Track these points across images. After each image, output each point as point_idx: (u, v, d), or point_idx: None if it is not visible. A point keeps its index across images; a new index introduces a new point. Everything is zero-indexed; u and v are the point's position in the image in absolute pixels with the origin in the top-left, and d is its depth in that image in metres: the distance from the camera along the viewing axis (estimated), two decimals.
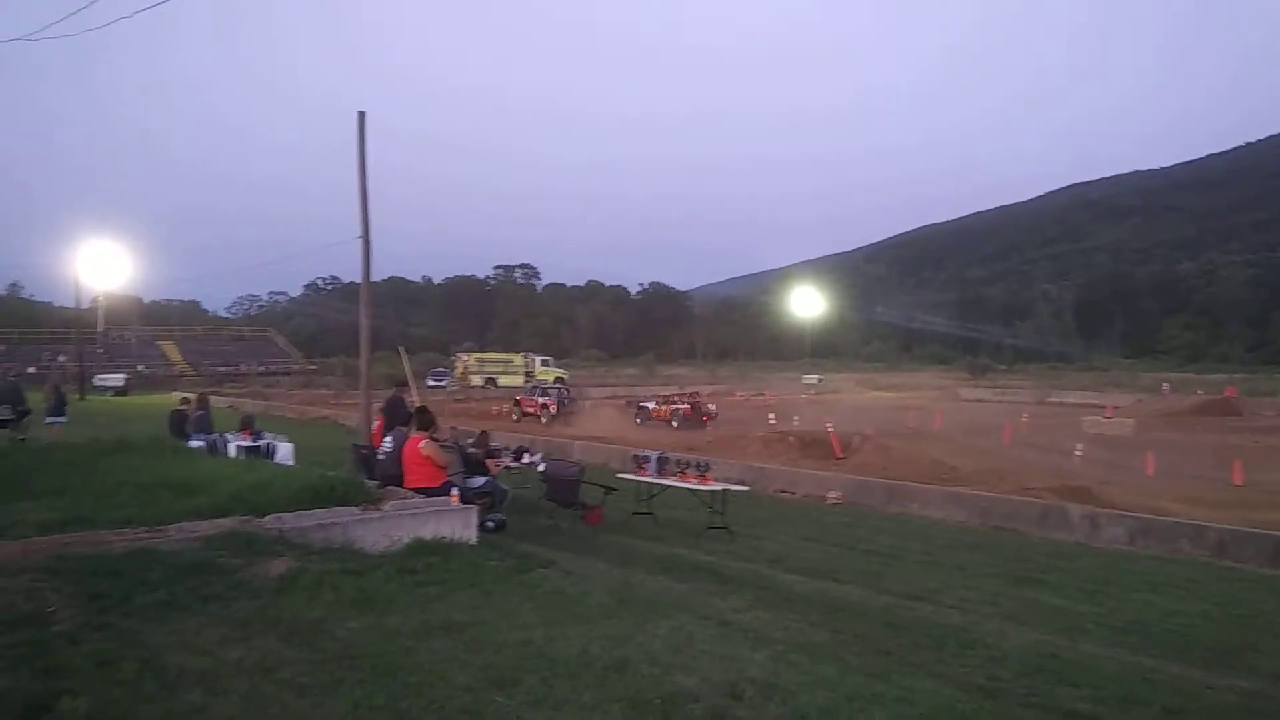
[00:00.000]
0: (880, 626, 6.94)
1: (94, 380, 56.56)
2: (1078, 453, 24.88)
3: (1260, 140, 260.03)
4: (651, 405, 40.88)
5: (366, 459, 12.80)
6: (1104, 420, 36.47)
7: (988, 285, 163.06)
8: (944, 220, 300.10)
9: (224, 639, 5.07)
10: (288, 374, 75.72)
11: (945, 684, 5.44)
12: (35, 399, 21.97)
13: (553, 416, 39.98)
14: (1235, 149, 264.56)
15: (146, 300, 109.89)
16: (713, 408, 40.22)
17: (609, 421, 38.22)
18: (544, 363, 73.78)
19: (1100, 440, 29.68)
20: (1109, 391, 59.80)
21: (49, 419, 21.49)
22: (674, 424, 37.30)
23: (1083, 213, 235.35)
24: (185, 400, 18.55)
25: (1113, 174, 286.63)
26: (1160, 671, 6.46)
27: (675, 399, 41.75)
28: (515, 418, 40.56)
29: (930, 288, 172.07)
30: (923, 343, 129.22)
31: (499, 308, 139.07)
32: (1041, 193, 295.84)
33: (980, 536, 13.91)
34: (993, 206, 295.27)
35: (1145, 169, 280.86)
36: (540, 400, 41.93)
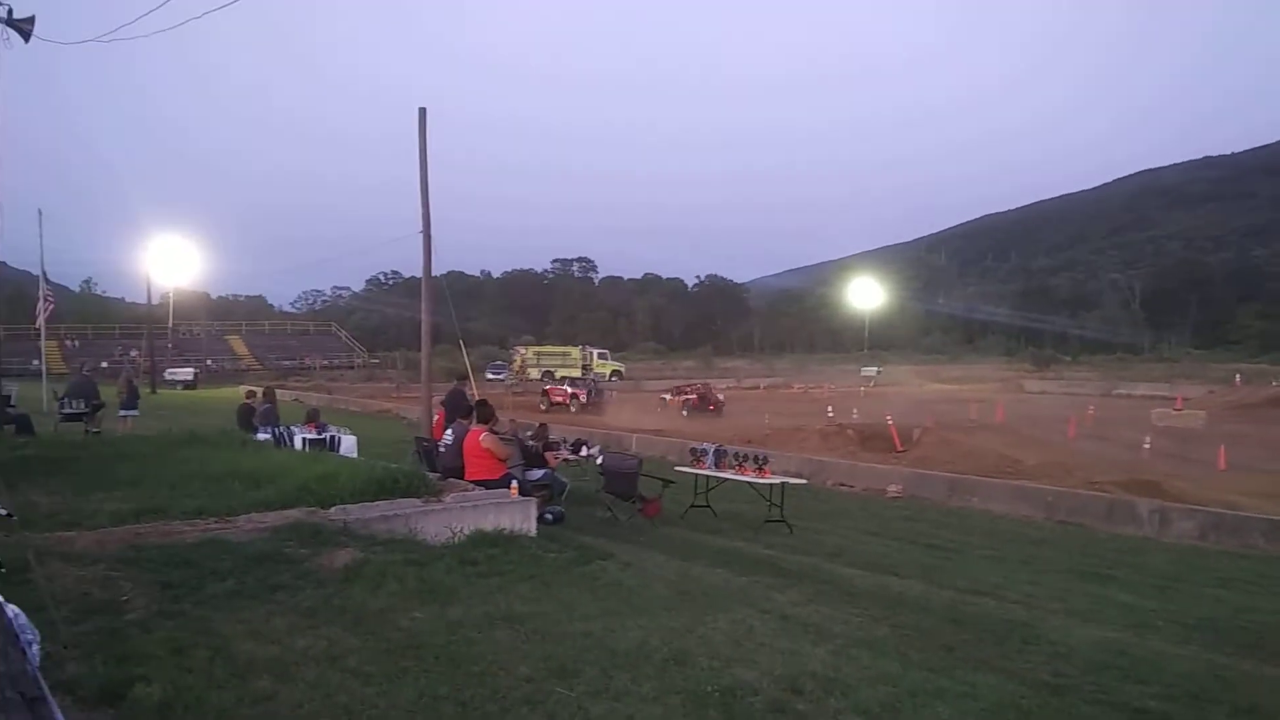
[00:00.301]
0: (942, 621, 6.86)
1: (164, 374, 58.07)
2: (1146, 446, 24.28)
3: None
4: (667, 396, 42.93)
5: (428, 451, 13.00)
6: (1174, 412, 35.57)
7: (1052, 275, 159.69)
8: (1007, 209, 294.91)
9: (292, 628, 5.18)
10: (351, 368, 76.96)
11: (1009, 680, 5.36)
12: (108, 393, 22.58)
13: (582, 405, 41.54)
14: None
15: (214, 296, 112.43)
16: (721, 397, 41.71)
17: (633, 411, 39.27)
18: (601, 356, 74.02)
19: (1170, 433, 28.97)
20: (1179, 383, 58.31)
21: (122, 412, 22.08)
22: (684, 412, 38.84)
23: (1152, 200, 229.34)
24: (252, 394, 18.93)
25: (1184, 160, 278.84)
26: (1232, 669, 6.30)
27: (685, 389, 43.73)
28: (543, 407, 41.79)
29: (993, 278, 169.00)
30: (985, 334, 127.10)
31: (556, 301, 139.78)
32: (1108, 180, 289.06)
33: (1045, 531, 13.67)
34: (1057, 195, 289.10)
35: (1217, 154, 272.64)
36: (569, 390, 43.80)
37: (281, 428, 15.60)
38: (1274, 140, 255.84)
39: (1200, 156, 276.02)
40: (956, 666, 5.51)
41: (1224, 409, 40.11)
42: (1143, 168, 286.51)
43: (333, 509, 7.93)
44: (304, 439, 14.79)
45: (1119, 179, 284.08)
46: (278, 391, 21.59)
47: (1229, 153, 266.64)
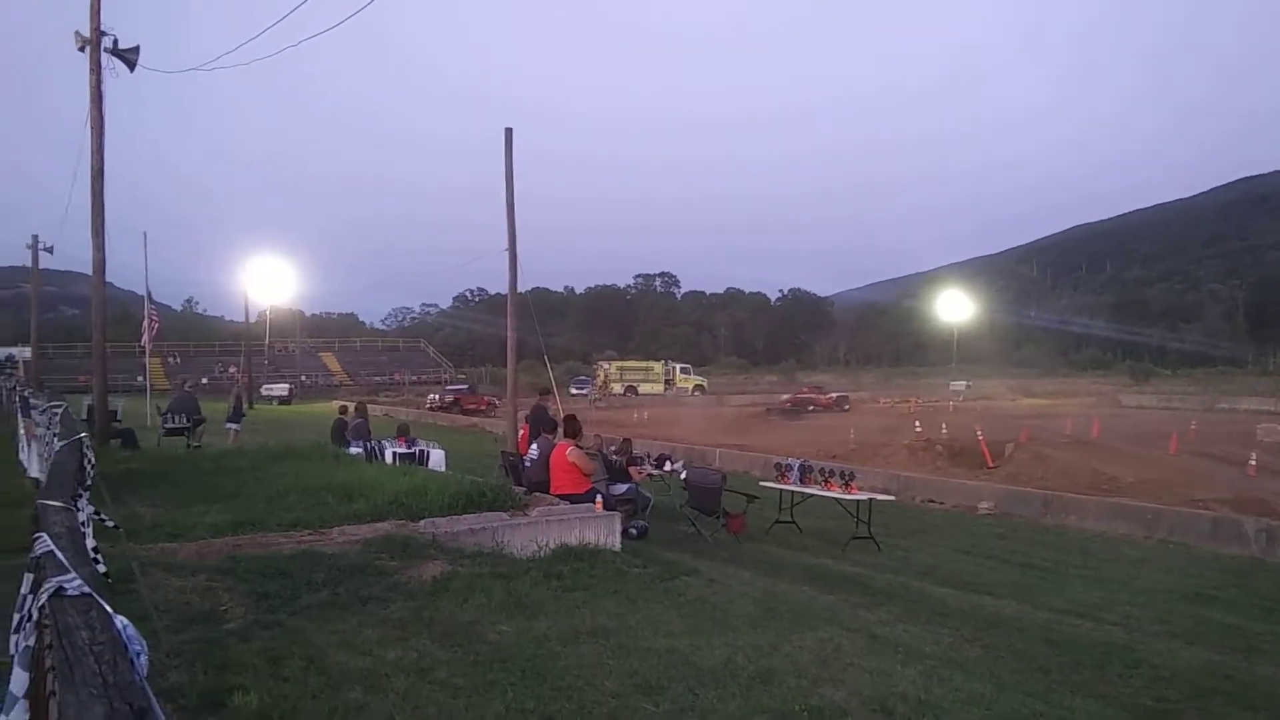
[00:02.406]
0: (1038, 643, 6.66)
1: (260, 390, 59.86)
2: (1252, 462, 23.28)
3: None
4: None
5: (514, 465, 13.14)
6: None
7: (1149, 286, 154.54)
8: (1099, 219, 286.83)
9: (383, 639, 5.28)
10: (439, 383, 78.33)
11: (1109, 705, 5.19)
12: (216, 408, 23.46)
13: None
14: None
15: (308, 314, 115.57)
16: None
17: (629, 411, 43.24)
18: (683, 370, 74.04)
19: (1277, 449, 27.71)
20: None
21: (228, 424, 23.04)
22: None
23: (1252, 208, 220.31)
24: (344, 409, 19.39)
25: None
26: None
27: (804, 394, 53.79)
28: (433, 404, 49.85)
29: (1087, 290, 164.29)
30: (1079, 347, 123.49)
31: (639, 316, 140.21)
32: (1206, 189, 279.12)
33: (1145, 550, 13.20)
34: (1151, 204, 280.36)
35: None
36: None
37: (373, 442, 15.94)
38: None
39: None
40: (1053, 690, 5.35)
41: None
42: (1241, 175, 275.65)
43: (422, 522, 8.06)
44: (394, 453, 15.09)
45: (1215, 187, 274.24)
46: (369, 406, 22.09)
47: None
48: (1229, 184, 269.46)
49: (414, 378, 79.97)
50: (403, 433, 16.44)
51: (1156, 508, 15.19)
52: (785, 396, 58.29)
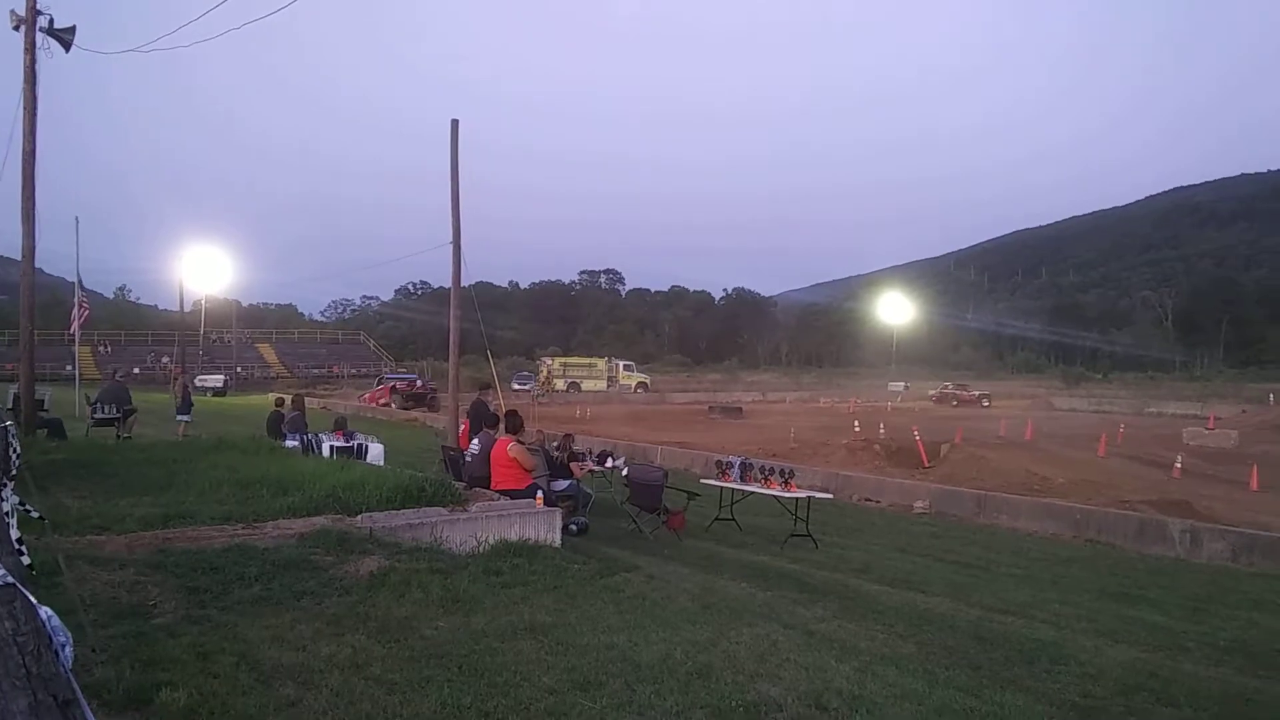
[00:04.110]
0: (970, 640, 6.78)
1: (195, 381, 58.66)
2: (1177, 465, 23.99)
3: None
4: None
5: (454, 460, 13.03)
6: (1205, 432, 35.15)
7: (1083, 292, 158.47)
8: (1038, 225, 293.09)
9: (317, 635, 5.20)
10: (378, 377, 77.45)
11: (1037, 700, 5.29)
12: (148, 399, 22.94)
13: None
14: None
15: (245, 304, 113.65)
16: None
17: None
18: (626, 367, 74.14)
19: (1202, 452, 28.64)
20: (1211, 402, 57.58)
21: (179, 416, 22.68)
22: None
23: (1185, 218, 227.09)
24: (281, 401, 19.10)
25: (1217, 178, 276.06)
26: (1265, 693, 6.20)
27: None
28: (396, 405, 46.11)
29: (1024, 294, 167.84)
30: (1015, 350, 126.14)
31: (583, 312, 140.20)
32: (1141, 197, 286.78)
33: (1074, 550, 13.51)
34: (1088, 211, 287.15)
35: (1251, 172, 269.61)
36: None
37: (310, 435, 15.71)
38: None
39: (1236, 174, 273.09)
40: (984, 686, 5.44)
41: (1257, 429, 39.56)
42: (1175, 185, 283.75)
43: (359, 516, 7.97)
44: (331, 446, 14.89)
45: (1151, 196, 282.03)
46: (306, 399, 21.76)
47: (1263, 170, 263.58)
48: (1163, 194, 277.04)
49: (353, 370, 79.02)
50: (340, 426, 16.22)
51: (1085, 508, 15.56)
52: (933, 391, 68.46)
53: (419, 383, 51.62)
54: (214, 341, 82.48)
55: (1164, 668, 6.61)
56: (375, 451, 15.31)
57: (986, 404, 62.14)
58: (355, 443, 15.34)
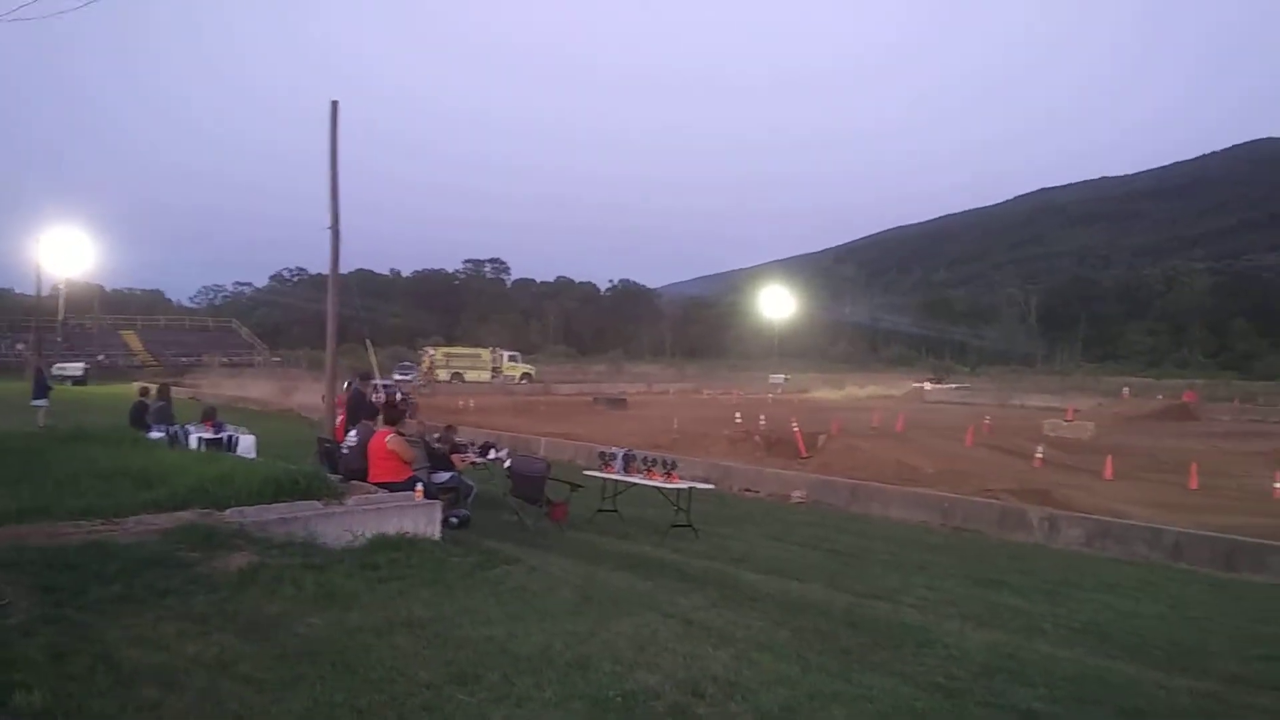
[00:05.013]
0: (841, 625, 6.98)
1: (53, 369, 55.68)
2: (1038, 455, 25.13)
3: (1224, 150, 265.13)
4: None
5: (330, 452, 12.70)
6: (1064, 423, 36.82)
7: (954, 288, 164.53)
8: (914, 222, 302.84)
9: (181, 634, 5.02)
10: (251, 365, 74.89)
11: (904, 682, 5.48)
12: (4, 388, 21.72)
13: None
14: (1200, 157, 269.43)
15: (109, 288, 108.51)
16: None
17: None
18: (511, 358, 73.67)
19: (1060, 443, 29.98)
20: (1070, 395, 60.39)
21: (35, 401, 21.41)
22: None
23: (1050, 218, 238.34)
24: (145, 390, 18.31)
25: (1080, 180, 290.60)
26: (1116, 672, 6.55)
27: None
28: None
29: (898, 289, 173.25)
30: (889, 344, 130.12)
31: (467, 301, 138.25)
32: (1010, 197, 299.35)
33: (941, 537, 14.02)
34: (961, 210, 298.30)
35: (1112, 175, 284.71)
36: None
37: (176, 426, 15.11)
38: (1163, 164, 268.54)
39: (1098, 176, 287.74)
40: (853, 670, 5.61)
41: (1112, 420, 41.90)
42: (1041, 186, 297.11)
43: (228, 511, 7.70)
44: (199, 438, 14.35)
45: (1019, 196, 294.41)
46: (173, 389, 20.90)
47: (1123, 174, 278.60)
48: (1030, 194, 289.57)
49: (224, 359, 76.23)
50: (209, 416, 15.63)
51: (952, 497, 16.14)
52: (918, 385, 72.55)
53: (398, 395, 44.05)
54: (74, 328, 78.44)
55: (1022, 649, 6.92)
56: (246, 443, 14.81)
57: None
58: (225, 435, 14.82)
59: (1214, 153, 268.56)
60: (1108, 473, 22.47)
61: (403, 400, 42.50)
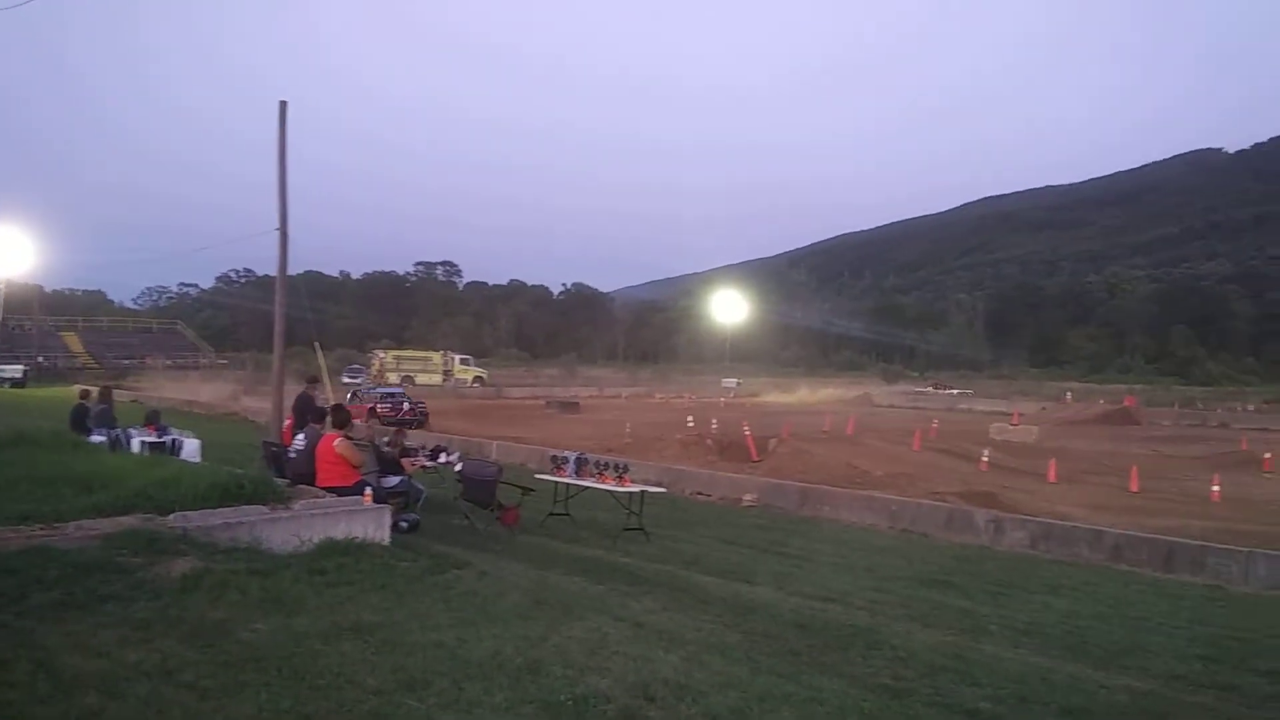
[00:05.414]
0: (791, 628, 7.03)
1: None
2: (984, 459, 25.52)
3: (1165, 159, 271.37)
4: None
5: (277, 456, 12.53)
6: (1010, 427, 37.46)
7: (904, 293, 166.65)
8: (865, 228, 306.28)
9: (123, 640, 4.92)
10: (196, 368, 73.57)
11: (852, 684, 5.54)
12: None
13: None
14: (1142, 166, 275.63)
15: (48, 289, 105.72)
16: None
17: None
18: (463, 361, 73.19)
19: (1006, 447, 30.46)
20: (1015, 399, 61.43)
21: None
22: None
23: (997, 225, 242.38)
24: (86, 393, 17.91)
25: (1026, 188, 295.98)
26: (1058, 672, 6.67)
27: None
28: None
29: (848, 294, 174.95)
30: (840, 348, 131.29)
31: (419, 304, 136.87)
32: (958, 204, 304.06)
33: (890, 540, 14.19)
34: (911, 216, 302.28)
35: (1057, 184, 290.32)
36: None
37: (118, 430, 14.80)
38: (1107, 173, 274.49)
39: (1043, 185, 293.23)
40: (803, 671, 5.66)
41: (1055, 425, 42.68)
42: (989, 194, 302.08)
43: (171, 516, 7.56)
44: (142, 442, 14.07)
45: (967, 203, 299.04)
46: (115, 392, 20.48)
47: (1068, 183, 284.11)
48: (977, 201, 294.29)
49: (168, 361, 74.78)
50: (152, 420, 15.34)
51: (900, 500, 16.35)
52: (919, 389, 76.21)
53: (406, 405, 37.61)
54: (13, 329, 76.48)
55: (968, 649, 7.03)
56: (190, 447, 14.55)
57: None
58: (169, 438, 14.54)
59: (1156, 162, 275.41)
60: (1051, 476, 22.89)
61: (413, 409, 39.50)
